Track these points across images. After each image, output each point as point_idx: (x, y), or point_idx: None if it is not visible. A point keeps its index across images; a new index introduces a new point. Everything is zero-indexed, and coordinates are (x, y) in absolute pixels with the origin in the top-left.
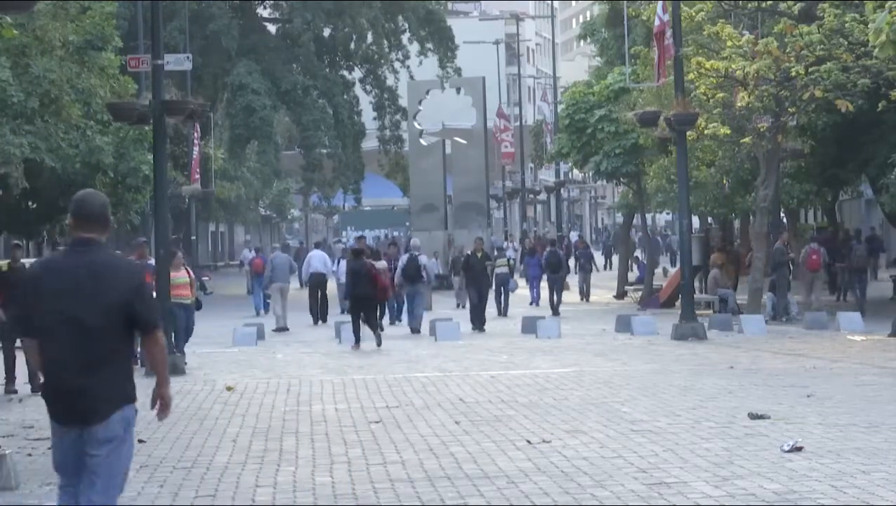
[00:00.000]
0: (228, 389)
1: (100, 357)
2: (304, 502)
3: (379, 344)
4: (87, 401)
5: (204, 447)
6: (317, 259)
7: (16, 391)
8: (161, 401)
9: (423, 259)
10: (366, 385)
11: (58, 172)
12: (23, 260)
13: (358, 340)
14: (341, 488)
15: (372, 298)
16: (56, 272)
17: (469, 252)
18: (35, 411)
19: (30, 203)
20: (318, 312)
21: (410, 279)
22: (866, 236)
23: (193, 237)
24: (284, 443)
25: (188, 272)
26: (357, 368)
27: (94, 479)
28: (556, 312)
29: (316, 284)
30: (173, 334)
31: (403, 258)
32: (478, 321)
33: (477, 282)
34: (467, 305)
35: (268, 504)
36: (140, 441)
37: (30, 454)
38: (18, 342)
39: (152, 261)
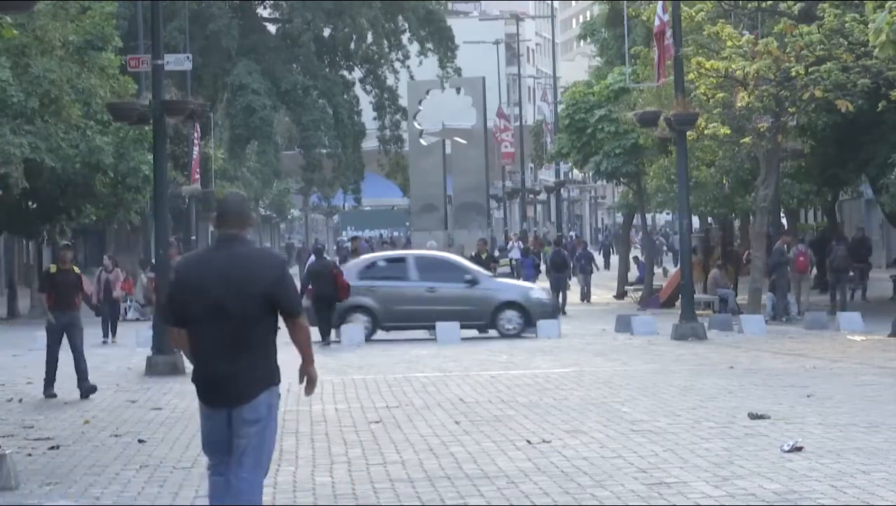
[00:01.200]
0: None
1: (246, 343)
2: (304, 502)
3: (328, 344)
4: (234, 384)
5: None
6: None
7: (55, 395)
8: (308, 378)
9: None
10: (366, 385)
11: (58, 172)
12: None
13: (327, 337)
14: (341, 488)
15: (332, 297)
16: (203, 265)
17: (473, 253)
18: (35, 412)
19: (30, 203)
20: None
21: None
22: (853, 237)
23: (193, 237)
24: (284, 443)
25: None
26: (357, 369)
27: (243, 458)
28: (562, 311)
29: None
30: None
31: None
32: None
33: None
34: None
35: (268, 504)
36: (140, 441)
37: (30, 454)
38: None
39: None
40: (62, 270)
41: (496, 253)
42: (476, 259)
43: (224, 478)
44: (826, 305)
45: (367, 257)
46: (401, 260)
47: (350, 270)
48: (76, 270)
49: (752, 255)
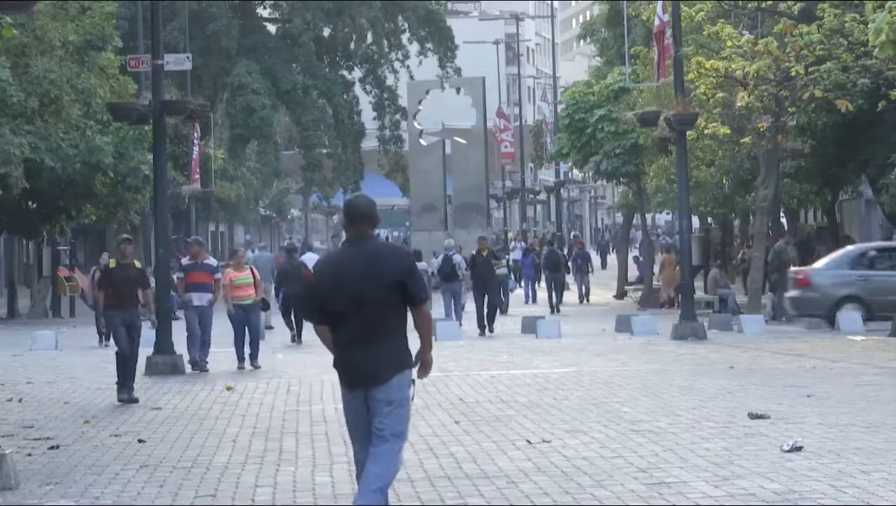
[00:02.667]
0: (228, 389)
1: (381, 329)
2: (304, 502)
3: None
4: (370, 367)
5: (204, 447)
6: (309, 261)
7: (130, 400)
8: (423, 363)
9: (457, 258)
10: None
11: (58, 172)
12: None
13: (300, 335)
14: (341, 487)
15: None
16: (340, 262)
17: (474, 252)
18: (35, 412)
19: (30, 203)
20: None
21: (447, 278)
22: (842, 235)
23: (193, 237)
24: (284, 443)
25: (253, 273)
26: None
27: (383, 433)
28: (556, 310)
29: None
30: (241, 337)
31: (438, 258)
32: (483, 325)
33: (483, 283)
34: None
35: (268, 504)
36: (140, 441)
37: (30, 454)
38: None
39: (211, 260)
40: (122, 264)
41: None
42: (477, 257)
43: (365, 451)
44: None
45: (858, 247)
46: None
47: (841, 260)
48: (137, 264)
49: (752, 255)
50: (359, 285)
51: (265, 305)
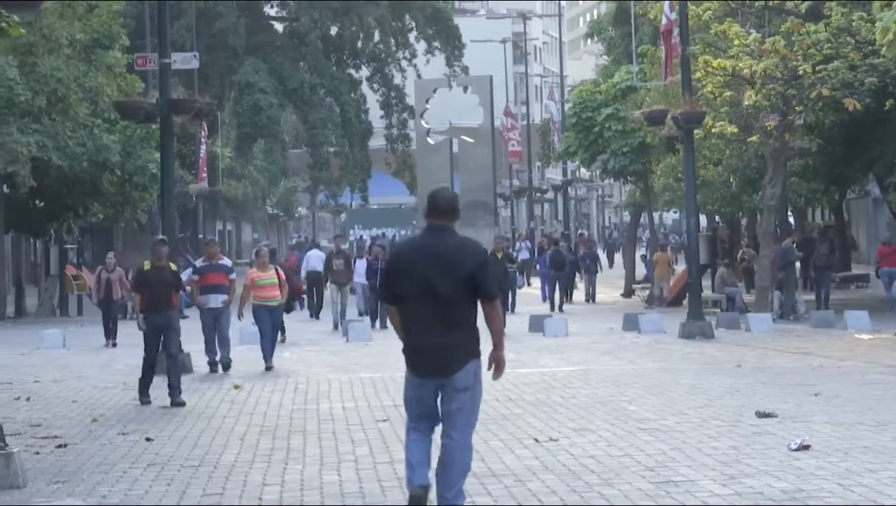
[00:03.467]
0: (236, 387)
1: (453, 319)
2: (312, 500)
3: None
4: (445, 355)
5: (211, 446)
6: (314, 258)
7: (149, 402)
8: (496, 363)
9: None
10: (373, 383)
11: (65, 171)
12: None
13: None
14: (349, 486)
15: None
16: (416, 250)
17: (489, 252)
18: (42, 410)
19: (37, 201)
20: (315, 308)
21: None
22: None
23: (200, 236)
24: (292, 441)
25: (278, 273)
26: (364, 367)
27: (455, 421)
28: (559, 308)
29: (313, 281)
30: (261, 336)
31: None
32: None
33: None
34: None
35: (275, 503)
36: (147, 439)
37: (37, 453)
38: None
39: (226, 261)
40: (157, 266)
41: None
42: (492, 258)
43: (422, 434)
44: (811, 304)
45: None
46: None
47: None
48: (173, 267)
49: (750, 253)
50: (432, 276)
51: (288, 308)
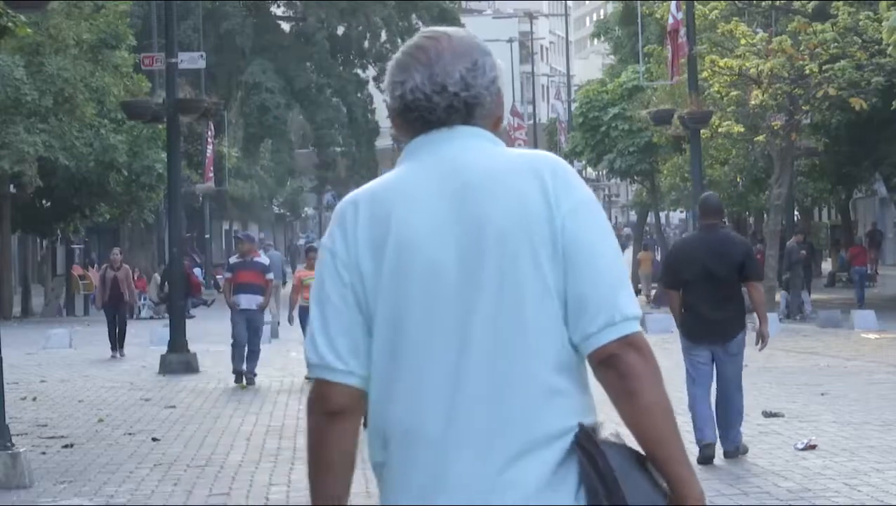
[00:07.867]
0: (242, 387)
1: (727, 298)
2: None
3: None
4: (722, 327)
5: (218, 446)
6: None
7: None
8: (762, 337)
9: None
10: None
11: (72, 171)
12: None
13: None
14: (354, 486)
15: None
16: (696, 243)
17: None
18: (49, 410)
19: (44, 201)
20: None
21: None
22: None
23: (207, 236)
24: (298, 441)
25: None
26: None
27: (729, 382)
28: None
29: None
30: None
31: None
32: None
33: None
34: None
35: (282, 503)
36: (154, 439)
37: (44, 453)
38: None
39: (263, 258)
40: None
41: None
42: None
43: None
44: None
45: None
46: None
47: None
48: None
49: (766, 252)
50: (711, 263)
51: None
